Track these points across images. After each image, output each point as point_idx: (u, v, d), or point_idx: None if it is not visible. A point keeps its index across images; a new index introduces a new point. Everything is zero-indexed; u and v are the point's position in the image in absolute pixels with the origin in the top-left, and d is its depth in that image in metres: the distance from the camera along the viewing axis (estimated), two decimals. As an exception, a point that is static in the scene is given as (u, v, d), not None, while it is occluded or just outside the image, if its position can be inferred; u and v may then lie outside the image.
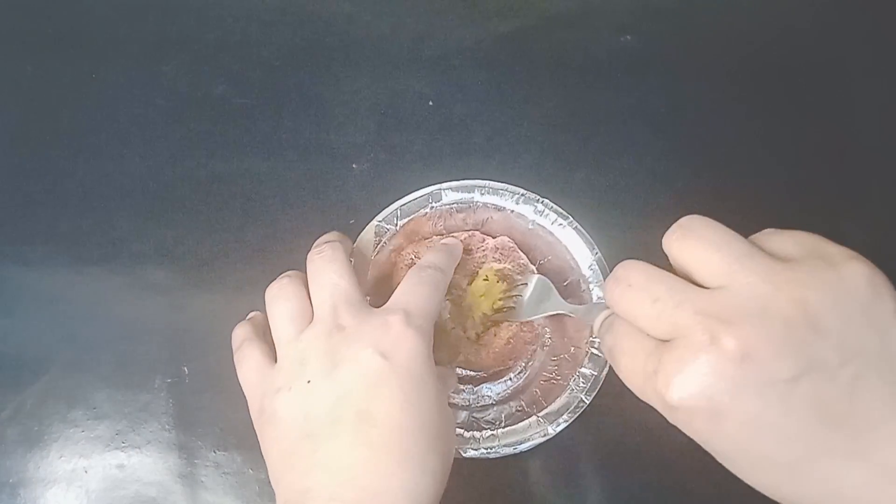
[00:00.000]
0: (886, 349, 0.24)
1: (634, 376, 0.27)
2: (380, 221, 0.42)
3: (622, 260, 0.28)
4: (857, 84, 0.48)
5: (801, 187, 0.46)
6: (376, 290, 0.41)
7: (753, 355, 0.23)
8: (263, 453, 0.34)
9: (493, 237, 0.43)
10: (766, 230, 0.27)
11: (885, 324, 0.24)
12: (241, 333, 0.37)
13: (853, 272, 0.25)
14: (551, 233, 0.42)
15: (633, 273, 0.27)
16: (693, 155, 0.47)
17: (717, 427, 0.24)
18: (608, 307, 0.31)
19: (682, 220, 0.27)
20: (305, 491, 0.31)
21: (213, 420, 0.43)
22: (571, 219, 0.41)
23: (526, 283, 0.41)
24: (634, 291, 0.27)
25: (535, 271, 0.42)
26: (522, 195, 0.42)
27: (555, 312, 0.39)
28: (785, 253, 0.26)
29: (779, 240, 0.26)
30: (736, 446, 0.25)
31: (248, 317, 0.39)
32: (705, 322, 0.24)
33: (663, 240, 0.28)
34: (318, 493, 0.30)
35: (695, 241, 0.26)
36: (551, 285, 0.40)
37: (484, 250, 0.43)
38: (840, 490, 0.24)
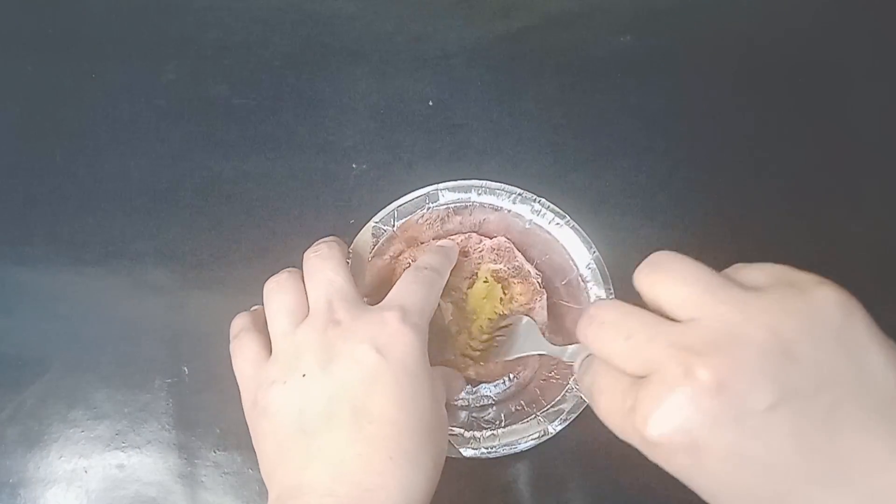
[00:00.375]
0: (862, 373, 0.24)
1: (613, 415, 0.26)
2: (377, 222, 0.42)
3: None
4: (857, 84, 0.48)
5: (802, 187, 0.46)
6: (375, 294, 0.41)
7: (728, 385, 0.23)
8: (255, 447, 0.34)
9: (490, 238, 0.43)
10: (735, 265, 0.27)
11: (858, 348, 0.24)
12: (239, 323, 0.37)
13: (824, 297, 0.24)
14: (548, 232, 0.42)
15: (607, 311, 0.27)
16: (692, 155, 0.47)
17: (697, 462, 0.24)
18: (584, 347, 0.30)
19: (651, 255, 0.27)
20: (299, 486, 0.31)
21: (213, 420, 0.43)
22: (569, 218, 0.41)
23: (511, 324, 0.41)
24: (608, 329, 0.27)
25: (532, 273, 0.42)
26: (519, 195, 0.42)
27: (537, 353, 0.38)
28: (755, 283, 0.25)
29: (748, 272, 0.26)
30: (717, 481, 0.24)
31: (251, 308, 0.39)
32: (678, 355, 0.24)
33: (634, 277, 0.27)
34: (311, 489, 0.30)
35: (664, 276, 0.26)
36: (536, 326, 0.40)
37: (481, 251, 0.43)
38: None
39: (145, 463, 0.43)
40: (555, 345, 0.37)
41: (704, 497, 0.26)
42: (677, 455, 0.24)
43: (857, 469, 0.23)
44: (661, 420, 0.24)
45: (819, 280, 0.25)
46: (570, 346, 0.34)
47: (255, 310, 0.38)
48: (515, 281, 0.42)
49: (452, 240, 0.43)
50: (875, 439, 0.23)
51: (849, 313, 0.24)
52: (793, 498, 0.23)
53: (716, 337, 0.24)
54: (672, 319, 0.26)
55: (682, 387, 0.23)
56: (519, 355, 0.39)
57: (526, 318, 0.40)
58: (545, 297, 0.42)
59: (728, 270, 0.27)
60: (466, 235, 0.43)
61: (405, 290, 0.35)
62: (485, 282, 0.42)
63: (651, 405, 0.24)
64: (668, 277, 0.26)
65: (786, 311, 0.24)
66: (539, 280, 0.42)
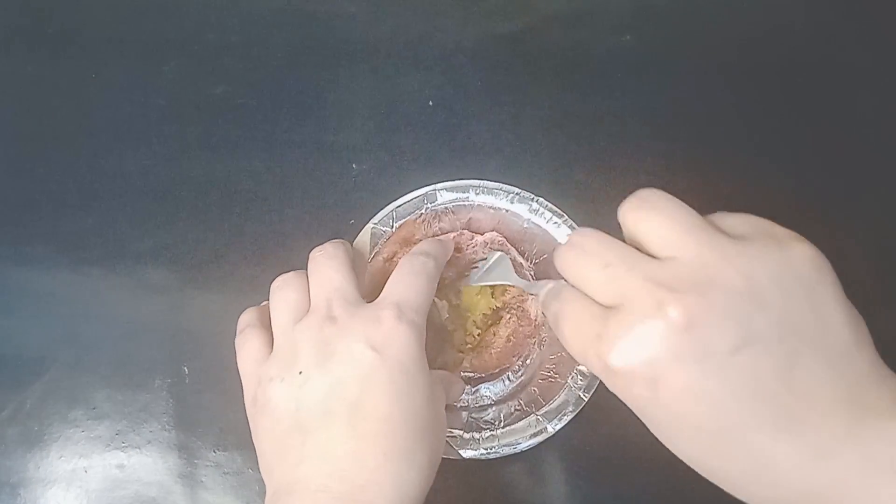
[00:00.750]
0: (824, 328, 0.24)
1: (577, 340, 0.27)
2: (376, 224, 0.42)
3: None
4: (857, 84, 0.48)
5: (801, 187, 0.46)
6: (371, 297, 0.41)
7: (697, 325, 0.24)
8: (255, 443, 0.34)
9: (482, 234, 0.43)
10: (718, 212, 0.28)
11: (824, 305, 0.25)
12: (246, 318, 0.37)
13: (799, 252, 0.25)
14: (546, 231, 0.42)
15: (588, 239, 0.28)
16: (692, 155, 0.47)
17: (654, 394, 0.25)
18: (552, 280, 0.32)
19: (640, 191, 0.28)
20: (294, 482, 0.31)
21: (213, 420, 0.43)
22: (567, 217, 0.42)
23: (486, 258, 0.41)
24: (587, 256, 0.27)
25: (525, 265, 0.42)
26: (517, 194, 0.42)
27: (501, 283, 0.39)
28: (736, 232, 0.26)
29: (731, 220, 0.27)
30: (670, 414, 0.25)
31: (261, 304, 0.39)
32: (653, 289, 0.25)
33: (619, 209, 0.28)
34: (306, 485, 0.30)
35: (650, 212, 0.27)
36: (508, 260, 0.40)
37: (474, 246, 0.43)
38: (766, 465, 0.24)
39: (145, 463, 0.43)
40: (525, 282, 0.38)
41: (653, 429, 0.27)
42: (636, 385, 0.25)
43: (806, 417, 0.24)
44: (626, 349, 0.25)
45: (797, 236, 0.26)
46: (537, 282, 0.34)
47: (263, 305, 0.39)
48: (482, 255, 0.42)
49: (447, 236, 0.43)
50: (827, 390, 0.24)
51: (821, 272, 0.25)
52: (738, 437, 0.24)
53: (692, 277, 0.25)
54: (650, 256, 0.26)
55: (652, 320, 0.24)
56: (482, 283, 0.40)
57: (500, 253, 0.41)
58: None
59: (712, 216, 0.28)
60: (459, 232, 0.43)
61: (401, 284, 0.35)
62: None
63: (619, 334, 0.25)
64: (653, 215, 0.27)
65: (762, 260, 0.25)
66: (532, 273, 0.42)
